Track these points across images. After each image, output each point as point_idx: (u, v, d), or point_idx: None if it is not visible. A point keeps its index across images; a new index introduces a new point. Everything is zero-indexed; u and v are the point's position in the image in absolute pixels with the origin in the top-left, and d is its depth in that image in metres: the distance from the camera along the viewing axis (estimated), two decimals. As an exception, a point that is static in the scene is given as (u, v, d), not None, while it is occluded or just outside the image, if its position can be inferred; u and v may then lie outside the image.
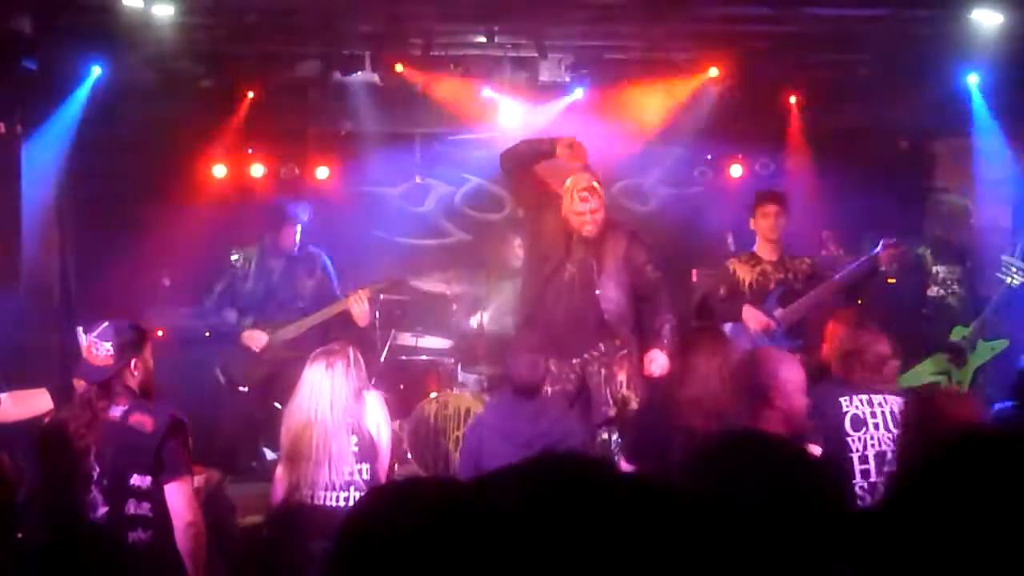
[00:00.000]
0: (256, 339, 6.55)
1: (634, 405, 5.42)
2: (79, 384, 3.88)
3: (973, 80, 7.34)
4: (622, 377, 5.60)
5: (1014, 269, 6.16)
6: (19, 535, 3.28)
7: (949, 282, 6.82)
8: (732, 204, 7.82)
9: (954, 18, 6.48)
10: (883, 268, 5.97)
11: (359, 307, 6.34)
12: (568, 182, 5.56)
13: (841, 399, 4.22)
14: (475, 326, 7.28)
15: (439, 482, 1.37)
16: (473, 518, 1.06)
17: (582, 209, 5.49)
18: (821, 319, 6.05)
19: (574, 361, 5.63)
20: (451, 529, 1.08)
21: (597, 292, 5.58)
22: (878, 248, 5.96)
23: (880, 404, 4.20)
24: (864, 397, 4.21)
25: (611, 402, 5.61)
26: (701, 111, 7.75)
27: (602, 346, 5.66)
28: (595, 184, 5.54)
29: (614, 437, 5.66)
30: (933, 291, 6.85)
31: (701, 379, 4.21)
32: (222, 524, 4.66)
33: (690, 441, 4.19)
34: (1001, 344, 6.35)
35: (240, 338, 6.58)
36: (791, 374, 3.76)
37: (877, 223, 7.37)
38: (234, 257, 6.72)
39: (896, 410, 4.15)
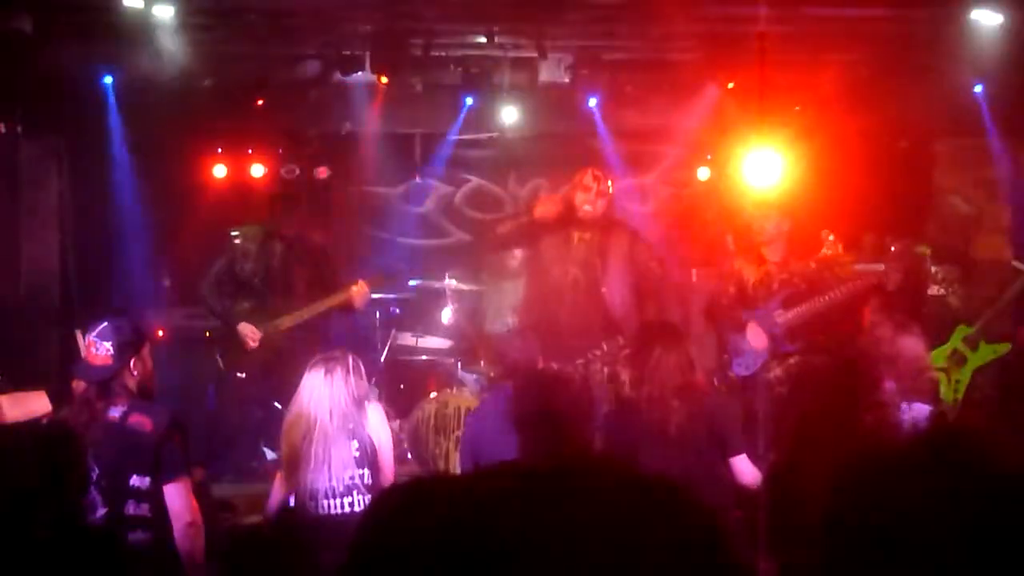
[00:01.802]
0: (251, 335, 6.49)
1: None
2: (78, 385, 3.88)
3: (973, 80, 7.33)
4: (625, 377, 5.61)
5: None
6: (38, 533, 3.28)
7: (949, 281, 6.82)
8: (732, 204, 7.82)
9: (954, 18, 6.47)
10: (890, 288, 5.96)
11: (359, 296, 6.38)
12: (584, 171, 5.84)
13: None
14: (475, 326, 7.29)
15: (451, 480, 1.38)
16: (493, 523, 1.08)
17: (590, 184, 5.66)
18: (820, 325, 6.06)
19: (577, 362, 5.65)
20: (469, 535, 1.09)
21: (604, 290, 5.64)
22: (887, 264, 5.95)
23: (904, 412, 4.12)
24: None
25: (613, 401, 5.62)
26: (701, 111, 7.74)
27: (605, 345, 5.68)
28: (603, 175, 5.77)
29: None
30: (933, 290, 6.85)
31: (660, 375, 4.23)
32: (208, 524, 4.65)
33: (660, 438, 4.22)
34: (1003, 347, 6.35)
35: (236, 329, 6.53)
36: None
37: (877, 223, 7.37)
38: (235, 234, 6.69)
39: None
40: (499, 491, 1.13)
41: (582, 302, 5.69)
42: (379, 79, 7.47)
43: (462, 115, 7.94)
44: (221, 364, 6.67)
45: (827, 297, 5.95)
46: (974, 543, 1.15)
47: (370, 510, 1.26)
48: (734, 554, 1.10)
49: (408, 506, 1.23)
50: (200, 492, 4.73)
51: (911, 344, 4.24)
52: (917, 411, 4.11)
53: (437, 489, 1.27)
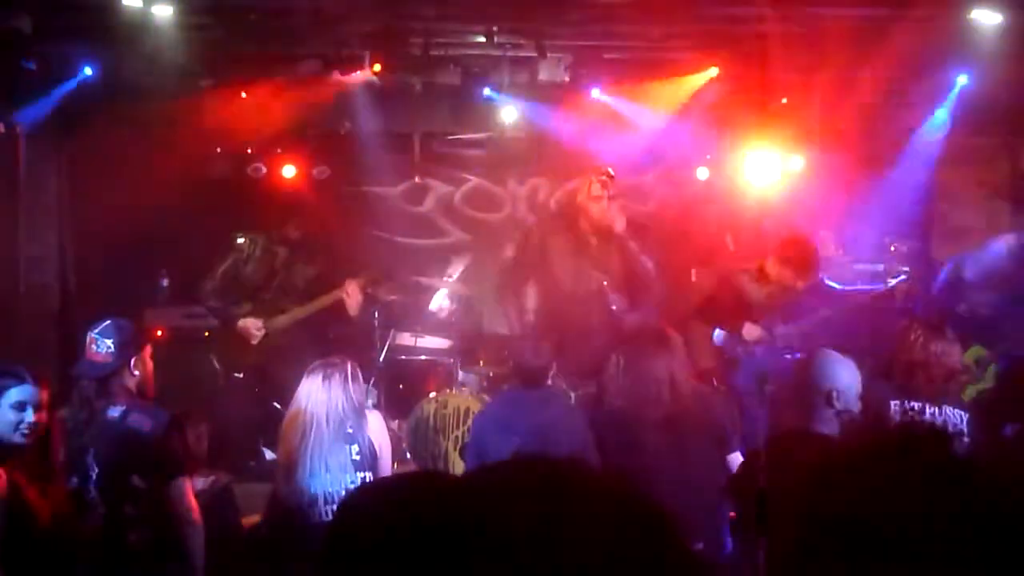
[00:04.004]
0: (253, 330, 6.52)
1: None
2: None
3: (973, 80, 7.33)
4: (611, 386, 5.64)
5: None
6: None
7: None
8: (731, 204, 7.84)
9: (954, 17, 6.47)
10: (898, 303, 5.94)
11: (352, 298, 6.40)
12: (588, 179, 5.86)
13: (893, 402, 4.13)
14: (475, 326, 7.29)
15: (424, 479, 1.42)
16: (451, 524, 1.11)
17: (599, 193, 5.69)
18: (824, 334, 6.03)
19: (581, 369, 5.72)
20: (433, 530, 1.12)
21: (613, 308, 5.73)
22: (895, 281, 5.94)
23: (934, 415, 4.10)
24: (918, 404, 4.10)
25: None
26: (701, 111, 7.74)
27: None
28: (610, 174, 5.79)
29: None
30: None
31: (645, 381, 4.24)
32: (228, 526, 4.64)
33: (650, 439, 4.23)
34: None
35: (236, 326, 6.56)
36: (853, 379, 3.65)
37: (877, 223, 7.37)
38: (239, 240, 6.72)
39: (955, 422, 4.07)
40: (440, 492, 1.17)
41: (594, 305, 5.78)
42: (378, 78, 7.48)
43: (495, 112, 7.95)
44: (218, 365, 6.69)
45: (833, 312, 5.91)
46: (944, 536, 1.17)
47: (335, 513, 1.32)
48: (684, 553, 1.12)
49: (365, 508, 1.27)
50: (224, 495, 4.71)
51: (942, 348, 4.20)
52: (950, 415, 4.11)
53: (389, 492, 1.31)
